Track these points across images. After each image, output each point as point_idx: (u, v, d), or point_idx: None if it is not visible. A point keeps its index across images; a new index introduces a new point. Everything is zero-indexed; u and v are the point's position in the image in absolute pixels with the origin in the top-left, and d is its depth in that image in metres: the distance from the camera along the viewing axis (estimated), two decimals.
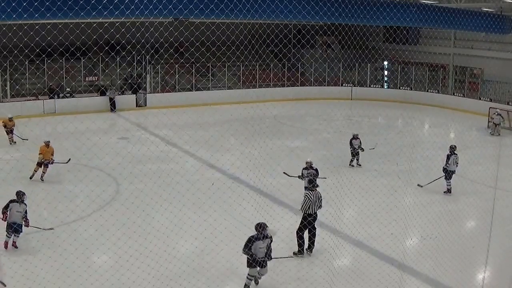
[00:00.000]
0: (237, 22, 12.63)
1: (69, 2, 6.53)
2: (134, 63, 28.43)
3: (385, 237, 10.97)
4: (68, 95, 25.91)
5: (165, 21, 18.41)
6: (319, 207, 10.44)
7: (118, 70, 27.01)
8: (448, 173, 14.21)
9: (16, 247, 10.49)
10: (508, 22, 13.40)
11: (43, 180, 14.95)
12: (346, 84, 31.99)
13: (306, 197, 10.32)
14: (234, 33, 16.02)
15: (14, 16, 6.33)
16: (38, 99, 25.40)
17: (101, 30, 12.17)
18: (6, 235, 10.42)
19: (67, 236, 10.87)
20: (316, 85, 31.96)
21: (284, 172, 13.54)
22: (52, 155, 15.09)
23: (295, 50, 30.94)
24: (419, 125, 25.77)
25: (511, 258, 8.14)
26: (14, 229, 10.37)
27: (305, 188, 12.32)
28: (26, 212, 10.56)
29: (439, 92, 29.99)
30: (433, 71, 30.90)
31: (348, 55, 29.42)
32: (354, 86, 31.94)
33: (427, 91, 30.30)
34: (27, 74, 25.40)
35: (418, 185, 14.50)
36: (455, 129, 24.74)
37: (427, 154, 17.68)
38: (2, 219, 10.38)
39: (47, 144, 15.14)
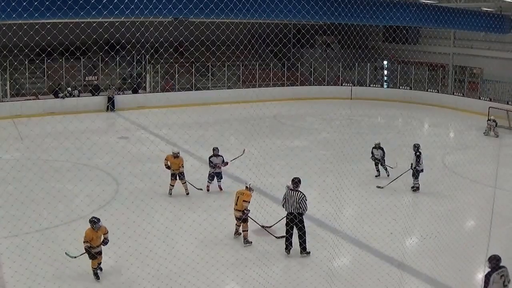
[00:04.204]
0: (237, 21, 12.65)
1: (69, 2, 6.53)
2: (134, 63, 28.43)
3: (385, 236, 10.98)
4: (68, 94, 25.89)
5: (165, 21, 18.37)
6: (296, 209, 10.15)
7: (118, 70, 27.02)
8: (418, 172, 14.32)
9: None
10: (507, 21, 13.39)
11: (187, 194, 13.70)
12: (346, 84, 31.98)
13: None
14: (234, 33, 16.00)
15: (14, 16, 6.33)
16: (38, 99, 25.41)
17: (101, 30, 12.14)
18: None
19: (67, 236, 10.87)
20: (316, 85, 31.97)
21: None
22: (182, 166, 13.57)
23: (295, 50, 30.93)
24: (418, 125, 25.75)
25: (511, 258, 8.13)
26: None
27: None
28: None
29: (438, 92, 29.96)
30: (432, 71, 30.88)
31: (347, 54, 29.41)
32: (354, 85, 31.93)
33: (427, 90, 30.27)
34: (27, 74, 25.39)
35: (378, 186, 14.56)
36: (455, 128, 24.74)
37: (427, 154, 17.65)
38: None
39: (175, 155, 13.61)
